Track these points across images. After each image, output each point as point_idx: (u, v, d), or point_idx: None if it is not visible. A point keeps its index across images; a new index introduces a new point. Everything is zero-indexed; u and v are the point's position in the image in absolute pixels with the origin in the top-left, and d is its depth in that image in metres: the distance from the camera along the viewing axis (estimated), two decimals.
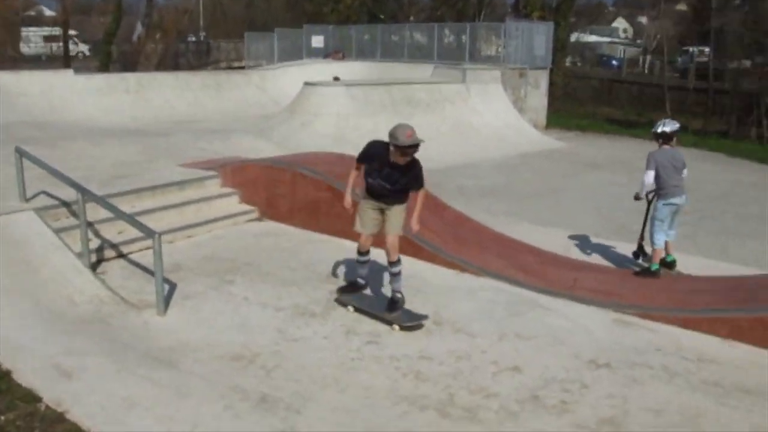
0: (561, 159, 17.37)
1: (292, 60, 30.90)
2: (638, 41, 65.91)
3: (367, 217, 6.30)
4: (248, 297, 6.80)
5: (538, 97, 24.19)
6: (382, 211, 6.27)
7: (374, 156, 6.08)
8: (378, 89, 18.43)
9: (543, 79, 24.57)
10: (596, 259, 8.96)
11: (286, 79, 24.56)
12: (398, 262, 6.25)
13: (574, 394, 5.23)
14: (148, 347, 5.67)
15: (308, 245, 8.44)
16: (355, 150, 13.08)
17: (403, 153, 5.83)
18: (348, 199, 6.33)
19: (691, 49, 44.94)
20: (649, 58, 52.76)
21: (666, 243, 8.18)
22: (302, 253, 8.14)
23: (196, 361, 5.47)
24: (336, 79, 22.70)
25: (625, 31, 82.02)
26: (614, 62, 55.12)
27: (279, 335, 6.02)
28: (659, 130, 8.10)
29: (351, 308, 6.54)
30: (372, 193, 6.21)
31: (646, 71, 51.10)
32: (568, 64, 42.36)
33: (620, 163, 16.99)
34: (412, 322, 6.23)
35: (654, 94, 35.05)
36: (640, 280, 7.79)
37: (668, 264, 8.22)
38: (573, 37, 42.57)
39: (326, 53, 30.81)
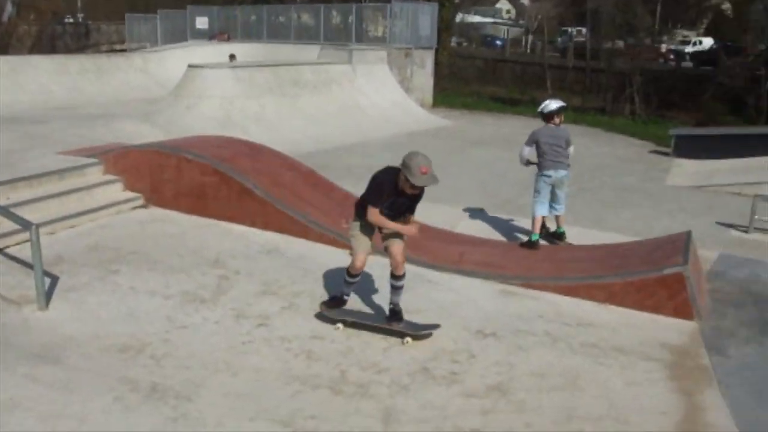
0: (447, 137, 17.76)
1: (177, 42, 30.10)
2: (521, 22, 67.76)
3: (364, 239, 5.78)
4: (135, 286, 6.64)
5: (424, 77, 24.59)
6: (379, 229, 5.81)
7: (386, 190, 5.51)
8: (264, 71, 18.24)
9: (429, 58, 24.97)
10: (482, 233, 9.24)
11: (171, 62, 23.94)
12: (403, 276, 5.83)
13: (462, 365, 5.43)
14: (29, 344, 5.45)
15: (195, 230, 8.31)
16: (243, 133, 13.09)
17: (413, 187, 5.36)
18: (413, 229, 5.65)
19: (569, 29, 46.72)
20: (531, 38, 54.43)
21: (557, 217, 8.72)
22: (190, 239, 8.01)
23: (82, 355, 5.31)
24: (232, 57, 22.33)
25: (508, 11, 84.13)
26: (498, 42, 56.57)
27: (168, 323, 5.92)
28: (539, 109, 8.68)
29: (341, 326, 5.95)
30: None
31: (528, 51, 52.74)
32: (453, 44, 43.20)
33: (504, 140, 17.54)
34: (425, 331, 5.87)
35: (536, 73, 36.30)
36: (523, 252, 8.13)
37: (558, 235, 8.75)
38: (458, 18, 43.27)
39: (211, 35, 30.18)
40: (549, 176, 8.47)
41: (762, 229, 10.18)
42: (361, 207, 5.73)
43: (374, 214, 5.53)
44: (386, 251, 5.83)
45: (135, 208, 9.08)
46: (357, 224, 5.77)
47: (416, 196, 5.52)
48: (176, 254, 7.52)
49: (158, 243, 7.86)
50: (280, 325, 5.96)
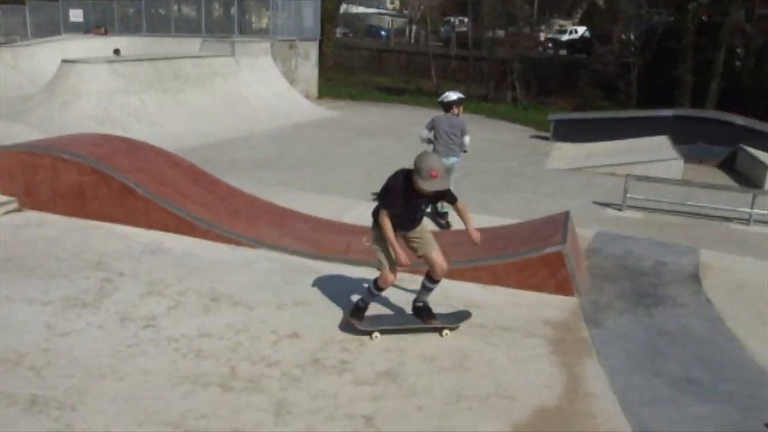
0: (333, 128, 17.76)
1: (49, 36, 28.69)
2: (404, 12, 68.43)
3: (390, 252, 5.55)
4: (10, 295, 6.30)
5: (309, 68, 24.50)
6: (403, 238, 5.67)
7: (398, 192, 5.39)
8: (143, 65, 17.68)
9: (313, 50, 24.89)
10: (369, 221, 9.27)
11: (43, 57, 22.86)
12: (439, 281, 5.82)
13: (353, 353, 5.48)
14: None
15: (75, 233, 7.98)
16: (123, 130, 12.69)
17: (420, 189, 5.25)
18: (403, 256, 5.43)
19: (452, 19, 47.62)
20: (414, 28, 55.03)
21: None
22: (69, 242, 7.68)
23: None
24: (116, 52, 21.52)
25: (392, 2, 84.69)
26: (383, 33, 56.93)
27: (48, 331, 5.65)
28: (440, 99, 9.47)
29: (378, 335, 5.79)
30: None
31: (412, 41, 53.34)
32: (338, 35, 43.24)
33: (389, 129, 17.73)
34: (461, 321, 5.96)
35: (421, 62, 36.77)
36: None
37: (441, 214, 9.41)
38: (342, 9, 43.28)
39: (87, 28, 28.95)
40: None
41: (634, 207, 10.75)
42: (377, 215, 5.57)
43: (382, 215, 5.42)
44: (422, 259, 5.75)
45: (7, 212, 8.63)
46: (380, 236, 5.62)
47: (432, 196, 5.40)
48: (55, 258, 7.20)
49: (35, 248, 7.50)
50: (168, 325, 5.83)
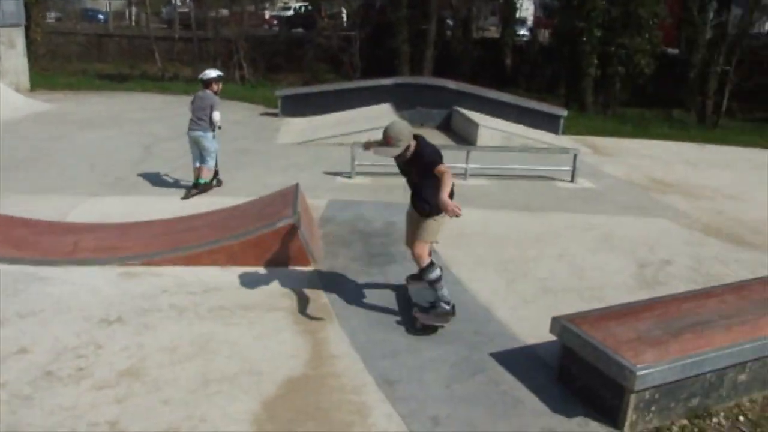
0: (50, 122, 16.44)
1: None
2: None
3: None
4: None
5: (17, 58, 22.36)
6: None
7: None
8: None
9: (19, 37, 22.72)
10: (97, 217, 8.78)
11: None
12: (421, 272, 5.96)
13: (89, 358, 5.23)
14: None
15: None
16: None
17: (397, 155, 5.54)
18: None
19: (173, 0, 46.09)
20: (135, 10, 52.56)
21: (199, 168, 9.96)
22: None
23: None
24: None
25: None
26: (100, 16, 53.65)
27: None
28: (199, 77, 10.14)
29: None
30: None
31: (133, 23, 50.99)
32: (51, 20, 40.17)
33: (112, 119, 16.91)
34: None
35: (143, 46, 35.17)
36: (140, 230, 8.02)
37: (195, 185, 9.97)
38: None
39: None
40: (188, 136, 9.90)
41: (362, 173, 11.32)
42: None
43: None
44: None
45: None
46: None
47: (414, 160, 5.58)
48: None
49: None
50: None
